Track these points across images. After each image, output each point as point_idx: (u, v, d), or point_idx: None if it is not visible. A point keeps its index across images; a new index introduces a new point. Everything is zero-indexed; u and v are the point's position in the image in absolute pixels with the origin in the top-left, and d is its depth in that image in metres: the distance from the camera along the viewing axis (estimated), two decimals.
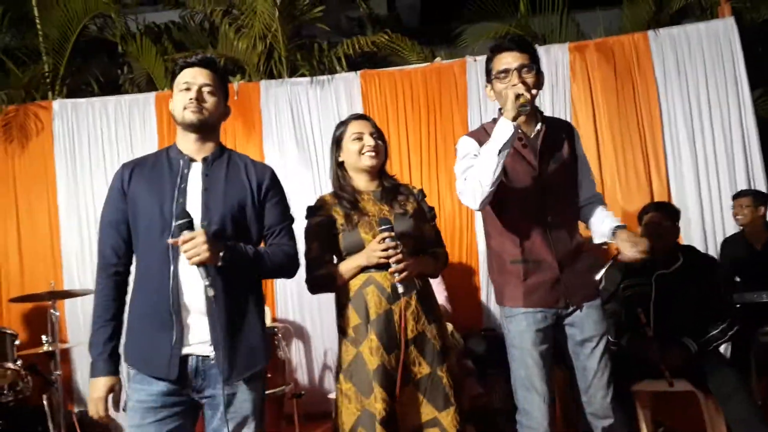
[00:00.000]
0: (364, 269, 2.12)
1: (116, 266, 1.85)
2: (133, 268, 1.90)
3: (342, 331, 2.18)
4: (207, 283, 1.67)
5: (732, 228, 4.43)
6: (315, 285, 2.21)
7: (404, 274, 2.02)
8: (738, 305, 3.19)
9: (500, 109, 2.12)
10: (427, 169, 4.77)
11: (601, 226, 2.14)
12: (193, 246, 1.66)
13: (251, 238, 1.88)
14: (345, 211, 2.19)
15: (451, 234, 4.68)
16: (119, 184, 1.88)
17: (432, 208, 2.30)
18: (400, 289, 2.01)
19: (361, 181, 2.26)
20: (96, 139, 4.93)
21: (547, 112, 4.91)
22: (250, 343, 1.82)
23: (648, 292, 2.87)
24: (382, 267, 2.08)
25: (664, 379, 2.70)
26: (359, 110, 4.82)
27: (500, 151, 1.90)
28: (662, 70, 4.81)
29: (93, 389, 1.77)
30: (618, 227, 2.06)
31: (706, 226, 4.54)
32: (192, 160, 1.89)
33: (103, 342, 1.78)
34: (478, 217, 4.62)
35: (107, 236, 1.87)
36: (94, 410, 1.77)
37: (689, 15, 5.37)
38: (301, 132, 4.87)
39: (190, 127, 1.87)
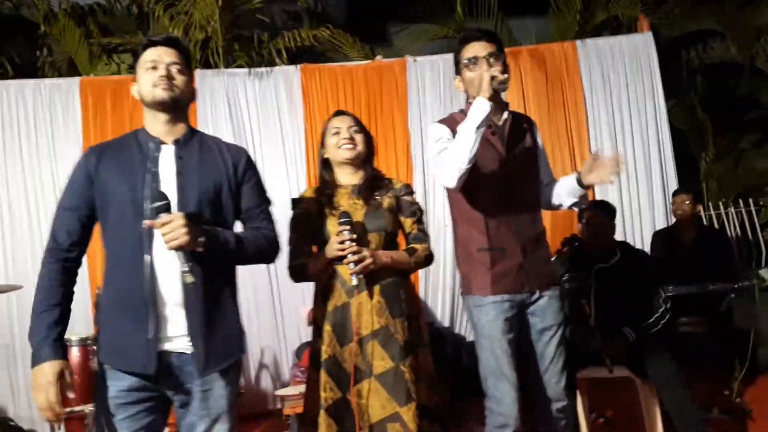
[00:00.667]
0: (332, 262, 2.13)
1: (68, 252, 1.72)
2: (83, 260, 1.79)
3: (313, 320, 2.20)
4: (185, 269, 1.58)
5: (649, 226, 4.80)
6: (292, 274, 2.22)
7: (359, 267, 2.03)
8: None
9: (468, 101, 2.21)
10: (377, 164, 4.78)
11: (564, 185, 2.25)
12: (172, 229, 1.56)
13: (228, 222, 1.80)
14: (322, 203, 2.21)
15: None
16: (84, 170, 1.76)
17: (415, 204, 2.30)
18: (354, 282, 2.04)
19: (343, 175, 2.28)
20: (11, 126, 4.57)
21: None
22: (228, 332, 1.75)
23: (588, 284, 3.04)
24: (344, 260, 2.09)
25: (605, 366, 2.85)
26: (299, 104, 4.78)
27: (477, 128, 1.96)
28: (588, 78, 5.09)
29: (38, 377, 1.59)
30: (578, 173, 2.18)
31: (626, 224, 4.87)
32: (162, 142, 1.79)
33: (47, 327, 1.63)
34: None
35: (63, 219, 1.74)
36: (44, 399, 1.57)
37: (612, 28, 5.70)
38: (238, 124, 4.74)
39: (161, 105, 1.76)
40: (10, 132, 4.56)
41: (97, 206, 1.75)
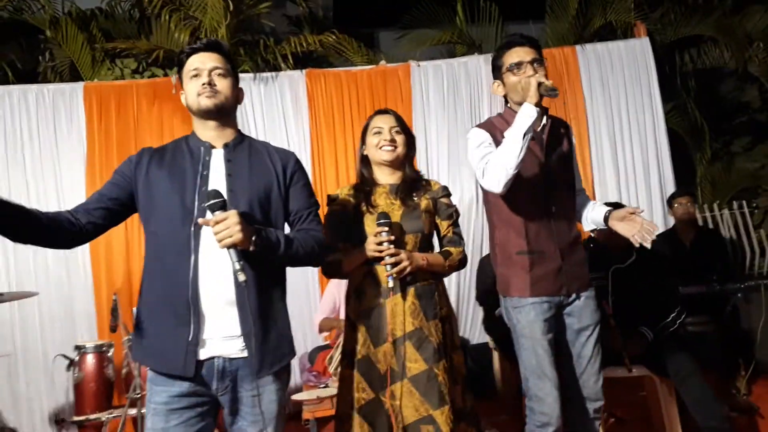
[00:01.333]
0: (367, 261, 2.15)
1: (71, 214, 1.70)
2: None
3: (347, 318, 2.21)
4: (238, 267, 1.57)
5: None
6: (326, 269, 2.22)
7: (396, 269, 2.05)
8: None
9: (507, 104, 2.24)
10: None
11: (591, 213, 2.29)
12: (226, 227, 1.56)
13: (277, 223, 1.81)
14: (358, 201, 2.22)
15: None
16: (132, 166, 1.78)
17: (452, 206, 2.31)
18: (390, 284, 2.05)
19: (381, 175, 2.29)
20: (14, 132, 4.52)
21: (486, 117, 5.23)
22: (280, 333, 1.75)
23: (605, 285, 3.09)
24: (381, 260, 2.11)
25: (623, 366, 2.91)
26: (305, 109, 4.79)
27: (525, 134, 1.98)
28: (588, 82, 5.18)
29: None
30: (608, 211, 2.21)
31: None
32: (212, 146, 1.80)
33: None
34: None
35: (92, 197, 1.77)
36: None
37: (610, 33, 5.80)
38: (243, 128, 4.60)
39: (207, 113, 1.78)
40: (13, 138, 4.51)
41: (140, 209, 1.76)
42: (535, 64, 2.12)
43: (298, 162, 1.89)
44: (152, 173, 1.75)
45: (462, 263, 2.27)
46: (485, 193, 2.25)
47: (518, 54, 2.15)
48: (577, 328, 2.20)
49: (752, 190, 5.97)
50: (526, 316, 2.12)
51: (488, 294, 3.45)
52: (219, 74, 1.79)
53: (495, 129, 2.17)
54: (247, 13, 4.60)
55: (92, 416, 3.09)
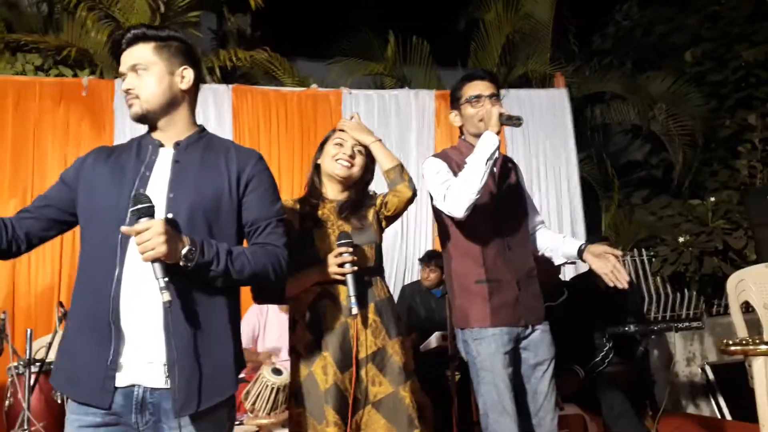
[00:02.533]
0: (318, 282, 1.97)
1: (6, 222, 1.53)
2: None
3: (293, 349, 1.98)
4: (162, 285, 1.34)
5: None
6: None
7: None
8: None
9: (461, 136, 2.25)
10: (299, 192, 4.62)
11: (563, 246, 2.27)
12: (148, 237, 1.33)
13: (226, 236, 1.55)
14: (302, 214, 2.04)
15: None
16: (75, 167, 1.58)
17: (384, 203, 2.16)
18: (354, 310, 1.88)
19: (331, 189, 2.12)
20: None
21: (413, 152, 5.27)
22: (217, 364, 1.49)
23: None
24: (338, 280, 1.95)
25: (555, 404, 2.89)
26: (228, 124, 4.56)
27: (487, 161, 1.97)
28: (511, 126, 5.32)
29: None
30: (583, 245, 2.20)
31: None
32: (161, 145, 1.58)
33: None
34: None
35: (32, 203, 1.61)
36: None
37: (528, 82, 6.08)
38: None
39: (137, 121, 1.60)
40: None
41: (79, 215, 1.54)
42: (492, 98, 2.15)
43: (258, 164, 1.62)
44: (94, 172, 1.53)
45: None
46: (441, 224, 2.22)
47: (478, 87, 2.17)
48: (533, 362, 2.15)
49: (650, 239, 6.38)
50: (487, 348, 2.04)
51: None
52: (140, 70, 1.54)
53: (450, 160, 2.16)
54: (173, 20, 4.34)
55: None
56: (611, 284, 2.06)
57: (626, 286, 2.03)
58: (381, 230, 2.13)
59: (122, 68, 1.57)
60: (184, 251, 1.38)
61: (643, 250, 6.04)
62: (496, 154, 2.13)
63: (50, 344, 2.75)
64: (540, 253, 2.34)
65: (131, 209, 1.38)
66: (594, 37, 8.15)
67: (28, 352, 2.61)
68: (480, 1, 6.30)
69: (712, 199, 5.69)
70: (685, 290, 5.96)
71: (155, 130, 1.60)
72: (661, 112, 5.92)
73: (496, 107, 2.05)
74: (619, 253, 2.11)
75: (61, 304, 2.80)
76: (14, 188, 4.01)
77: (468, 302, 2.12)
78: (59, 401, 2.81)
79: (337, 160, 2.07)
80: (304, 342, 1.95)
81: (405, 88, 5.27)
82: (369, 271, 2.01)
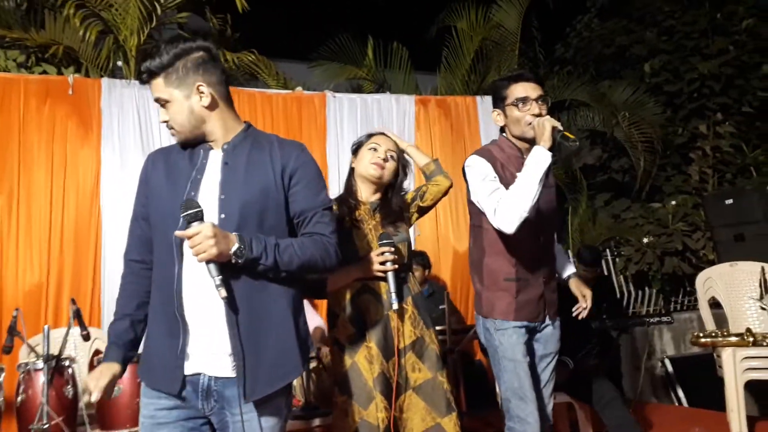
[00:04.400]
0: (360, 278, 2.11)
1: (137, 262, 1.68)
2: None
3: (335, 341, 2.11)
4: (217, 283, 1.46)
5: None
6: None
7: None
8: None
9: (502, 134, 2.28)
10: None
11: (558, 261, 2.47)
12: (199, 241, 1.44)
13: (277, 230, 1.62)
14: (341, 213, 2.17)
15: None
16: (143, 175, 1.69)
17: (414, 197, 2.37)
18: (395, 305, 2.02)
19: (365, 191, 2.26)
20: None
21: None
22: (278, 350, 1.58)
23: None
24: (376, 276, 2.09)
25: None
26: None
27: (540, 180, 1.99)
28: (486, 131, 5.53)
29: (101, 368, 1.60)
30: (570, 276, 2.50)
31: None
32: (211, 148, 1.66)
33: (117, 333, 1.65)
34: None
35: (131, 229, 1.71)
36: (93, 383, 1.57)
37: None
38: (148, 139, 4.40)
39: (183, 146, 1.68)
40: None
41: (149, 219, 1.66)
42: (539, 102, 2.14)
43: (301, 156, 1.68)
44: (152, 178, 1.65)
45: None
46: (478, 219, 2.26)
47: (525, 89, 2.14)
48: (540, 354, 2.31)
49: (610, 240, 6.71)
50: (509, 339, 2.18)
51: None
52: (165, 104, 1.61)
53: (495, 159, 2.18)
54: (163, 20, 4.35)
55: None
56: (574, 314, 2.42)
57: (585, 315, 2.41)
58: (410, 226, 2.28)
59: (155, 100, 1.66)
60: (233, 249, 1.48)
61: (608, 249, 6.39)
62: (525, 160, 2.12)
63: (65, 340, 2.76)
64: None
65: (182, 214, 1.48)
66: (557, 47, 8.49)
67: (45, 347, 2.62)
68: (451, 10, 6.50)
69: (674, 202, 6.05)
70: (646, 288, 6.33)
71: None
72: (624, 119, 6.26)
73: (549, 120, 2.02)
74: (588, 293, 2.44)
75: (73, 301, 2.82)
76: (0, 187, 3.94)
77: (495, 296, 2.23)
78: (70, 396, 2.84)
79: (371, 163, 2.21)
80: (347, 334, 2.08)
81: (386, 92, 5.40)
82: (404, 267, 2.15)
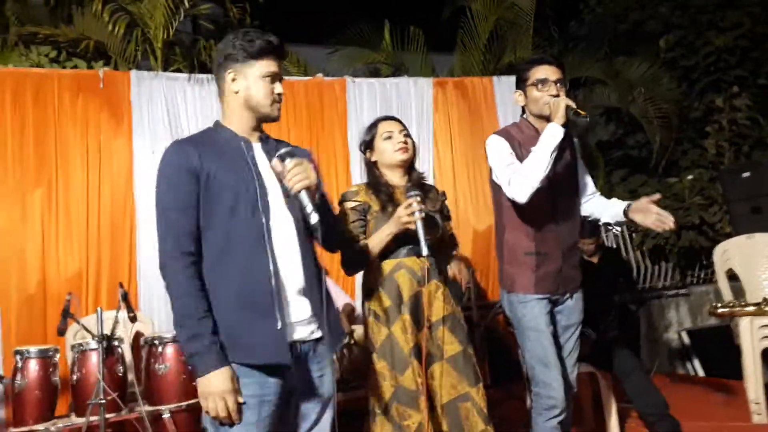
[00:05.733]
0: (394, 254, 2.26)
1: (191, 254, 1.63)
2: None
3: (373, 313, 2.27)
4: (311, 208, 1.62)
5: None
6: (351, 262, 2.30)
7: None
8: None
9: (522, 115, 2.44)
10: None
11: (610, 207, 2.46)
12: (303, 169, 1.64)
13: None
14: (381, 201, 2.31)
15: None
16: (188, 164, 1.66)
17: (447, 207, 2.51)
18: (425, 251, 2.08)
19: (393, 177, 2.39)
20: None
21: (414, 138, 5.51)
22: (335, 311, 1.83)
23: None
24: (411, 253, 2.24)
25: None
26: None
27: (552, 153, 2.16)
28: (503, 111, 5.61)
29: (216, 383, 1.54)
30: (627, 204, 2.37)
31: None
32: (248, 141, 1.78)
33: (210, 333, 1.57)
34: None
35: (177, 220, 1.64)
36: (223, 406, 1.54)
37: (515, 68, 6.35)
38: (177, 129, 4.55)
39: (268, 120, 1.80)
40: None
41: (201, 202, 1.68)
42: (558, 84, 2.30)
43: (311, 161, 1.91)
44: (206, 165, 1.68)
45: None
46: (498, 196, 2.41)
47: (545, 71, 2.31)
48: (564, 324, 2.46)
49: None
50: (531, 310, 2.33)
51: None
52: (281, 80, 1.82)
53: (512, 138, 2.34)
54: (188, 12, 4.47)
55: (36, 427, 2.80)
56: (659, 230, 2.26)
57: (673, 227, 2.22)
58: (442, 221, 2.41)
59: (277, 71, 1.82)
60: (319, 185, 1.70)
61: (624, 226, 6.47)
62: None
63: (115, 321, 2.96)
64: (588, 216, 2.55)
65: (278, 154, 1.68)
66: (570, 24, 8.49)
67: (99, 328, 2.81)
68: None
69: (690, 177, 6.12)
70: (663, 262, 6.43)
71: (245, 125, 1.79)
72: (640, 95, 6.30)
73: (564, 99, 2.18)
74: (657, 196, 2.27)
75: (121, 285, 3.01)
76: (40, 180, 4.11)
77: (516, 270, 2.38)
78: (120, 374, 3.04)
79: (396, 150, 2.33)
80: (383, 307, 2.24)
81: (404, 76, 5.49)
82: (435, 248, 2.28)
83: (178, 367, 3.09)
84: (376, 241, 2.24)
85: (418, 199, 2.16)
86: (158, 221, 1.66)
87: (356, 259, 2.29)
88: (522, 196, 2.20)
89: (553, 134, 2.18)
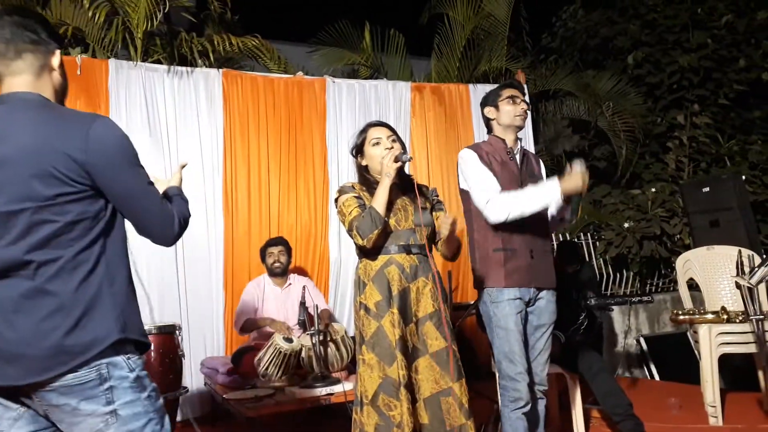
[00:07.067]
0: (385, 250, 2.34)
1: None
2: None
3: (364, 307, 2.34)
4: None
5: None
6: (363, 228, 2.30)
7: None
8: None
9: (490, 132, 2.69)
10: (286, 176, 4.86)
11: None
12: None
13: None
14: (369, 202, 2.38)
15: (306, 241, 4.85)
16: None
17: (441, 201, 2.58)
18: (405, 157, 2.30)
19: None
20: None
21: None
22: None
23: None
24: (401, 250, 2.33)
25: None
26: (219, 107, 4.71)
27: (542, 206, 2.44)
28: (478, 119, 5.72)
29: None
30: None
31: None
32: None
33: None
34: (332, 227, 4.92)
35: None
36: None
37: (489, 77, 6.50)
38: (155, 120, 4.51)
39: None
40: None
41: None
42: (522, 103, 2.64)
43: None
44: None
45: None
46: (467, 203, 2.62)
47: (513, 92, 2.66)
48: (535, 324, 2.61)
49: (590, 224, 7.02)
50: (503, 310, 2.50)
51: None
52: None
53: (482, 151, 2.58)
54: (171, 3, 4.44)
55: None
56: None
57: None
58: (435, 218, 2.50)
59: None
60: None
61: (589, 234, 6.69)
62: (511, 149, 2.61)
63: None
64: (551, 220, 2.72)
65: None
66: (543, 36, 8.71)
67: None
68: None
69: (653, 189, 6.36)
70: (624, 270, 6.65)
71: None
72: (608, 109, 6.52)
73: (584, 173, 2.38)
74: (577, 162, 2.44)
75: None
76: None
77: (486, 267, 2.56)
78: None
79: (388, 156, 2.39)
80: (374, 301, 2.31)
81: (383, 78, 5.56)
82: (426, 247, 2.36)
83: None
84: (378, 201, 2.30)
85: (398, 144, 2.36)
86: None
87: (365, 226, 2.29)
88: (496, 219, 2.45)
89: (552, 193, 2.40)
